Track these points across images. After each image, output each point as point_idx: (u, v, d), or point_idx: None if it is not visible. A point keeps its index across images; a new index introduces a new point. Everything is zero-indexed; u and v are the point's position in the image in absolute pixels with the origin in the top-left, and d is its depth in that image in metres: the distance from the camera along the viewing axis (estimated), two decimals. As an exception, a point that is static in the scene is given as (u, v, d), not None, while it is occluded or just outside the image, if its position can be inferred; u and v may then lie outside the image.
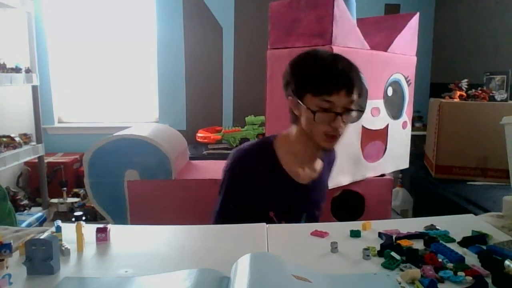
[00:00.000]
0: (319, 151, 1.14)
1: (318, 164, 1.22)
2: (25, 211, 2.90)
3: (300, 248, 0.72)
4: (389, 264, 0.63)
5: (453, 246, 0.69)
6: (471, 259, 0.65)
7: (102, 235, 0.74)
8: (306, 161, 1.18)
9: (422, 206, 2.57)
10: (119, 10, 3.69)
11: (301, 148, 1.14)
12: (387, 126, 1.70)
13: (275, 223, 1.08)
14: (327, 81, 1.01)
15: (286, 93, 1.10)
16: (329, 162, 1.31)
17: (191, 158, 2.09)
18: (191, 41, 3.59)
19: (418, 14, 1.80)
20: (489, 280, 0.58)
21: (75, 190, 3.29)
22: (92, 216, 2.85)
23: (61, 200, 3.09)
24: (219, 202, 1.15)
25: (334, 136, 1.06)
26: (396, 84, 1.72)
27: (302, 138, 1.12)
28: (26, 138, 2.86)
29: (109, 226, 0.76)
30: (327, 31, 1.41)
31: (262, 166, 1.14)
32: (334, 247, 0.70)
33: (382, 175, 1.73)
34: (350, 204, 1.67)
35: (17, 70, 2.71)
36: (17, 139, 2.74)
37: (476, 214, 0.93)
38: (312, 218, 1.22)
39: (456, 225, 0.80)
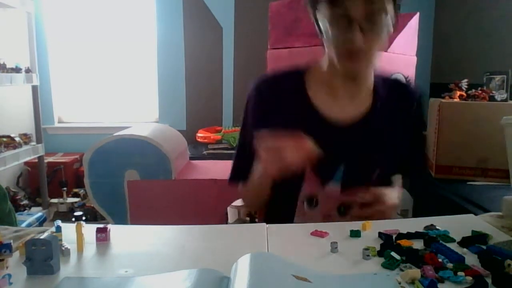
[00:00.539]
0: (347, 79, 0.93)
1: (364, 103, 0.97)
2: (25, 211, 2.91)
3: (300, 248, 0.72)
4: (389, 264, 0.63)
5: (453, 246, 0.69)
6: (471, 259, 0.65)
7: (102, 235, 0.74)
8: (341, 95, 0.96)
9: (422, 206, 2.57)
10: (119, 10, 3.69)
11: (331, 78, 0.94)
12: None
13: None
14: None
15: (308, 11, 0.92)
16: (400, 106, 1.00)
17: (191, 158, 2.09)
18: (191, 41, 3.59)
19: (418, 14, 1.81)
20: (489, 280, 0.58)
21: (75, 190, 3.30)
22: (92, 216, 2.85)
23: (61, 200, 3.09)
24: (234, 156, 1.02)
25: (352, 52, 0.84)
26: (396, 84, 1.72)
27: (330, 65, 0.93)
28: (26, 138, 2.86)
29: (109, 226, 0.76)
30: (327, 31, 1.41)
31: (287, 97, 0.96)
32: (334, 247, 0.70)
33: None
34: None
35: (17, 70, 2.71)
36: (17, 139, 2.74)
37: (476, 214, 0.93)
38: (353, 175, 0.95)
39: (456, 225, 0.80)
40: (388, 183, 0.99)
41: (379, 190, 0.88)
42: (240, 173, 1.03)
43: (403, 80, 1.07)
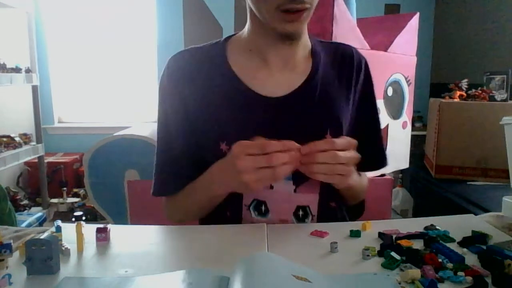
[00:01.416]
0: (284, 43, 0.78)
1: (302, 70, 0.83)
2: (25, 211, 2.91)
3: (300, 248, 0.72)
4: (389, 264, 0.63)
5: (453, 246, 0.69)
6: (471, 259, 0.65)
7: (102, 235, 0.74)
8: (272, 63, 0.81)
9: (422, 206, 2.57)
10: (119, 10, 3.70)
11: (259, 43, 0.80)
12: (387, 126, 1.70)
13: None
14: None
15: None
16: (345, 73, 0.85)
17: (191, 158, 2.09)
18: (191, 41, 3.59)
19: (418, 14, 1.81)
20: (489, 280, 0.58)
21: (75, 190, 3.30)
22: (92, 216, 2.85)
23: (61, 200, 3.09)
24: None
25: (292, 10, 0.71)
26: (396, 84, 1.72)
27: (256, 27, 0.80)
28: (26, 138, 2.86)
29: (109, 226, 0.76)
30: (327, 31, 1.42)
31: (206, 70, 0.81)
32: (334, 247, 0.70)
33: (382, 175, 1.73)
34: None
35: (17, 70, 2.72)
36: (17, 139, 2.75)
37: (476, 214, 0.93)
38: None
39: (456, 225, 0.80)
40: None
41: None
42: (171, 181, 0.85)
43: (346, 44, 0.91)
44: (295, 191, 0.83)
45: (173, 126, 0.84)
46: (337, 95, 0.84)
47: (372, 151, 0.92)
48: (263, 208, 0.83)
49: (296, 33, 0.76)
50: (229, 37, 0.87)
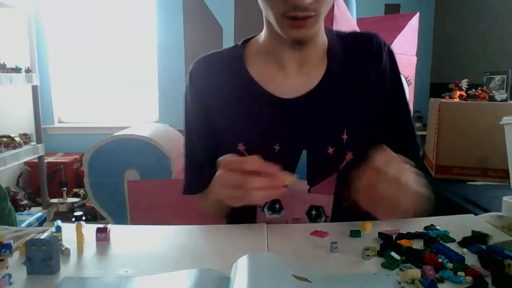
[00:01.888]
0: (294, 47, 0.79)
1: (317, 70, 0.83)
2: (25, 211, 2.91)
3: (300, 248, 0.72)
4: (389, 264, 0.63)
5: (453, 246, 0.69)
6: (471, 259, 0.65)
7: (102, 235, 0.74)
8: (287, 66, 0.82)
9: (422, 206, 2.57)
10: (119, 10, 3.70)
11: (274, 46, 0.81)
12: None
13: None
14: None
15: None
16: (365, 63, 0.83)
17: (191, 158, 2.09)
18: (191, 41, 3.59)
19: (418, 14, 1.81)
20: (489, 280, 0.58)
21: (75, 190, 3.30)
22: (92, 216, 2.85)
23: (61, 200, 3.10)
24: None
25: (297, 17, 0.70)
26: (396, 84, 1.72)
27: (270, 32, 0.80)
28: (26, 138, 2.86)
29: (109, 226, 0.76)
30: (327, 31, 1.42)
31: (224, 75, 0.84)
32: (334, 247, 0.70)
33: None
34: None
35: (17, 70, 2.72)
36: (17, 139, 2.75)
37: (476, 214, 0.93)
38: (320, 163, 0.80)
39: (456, 225, 0.80)
40: None
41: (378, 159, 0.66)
42: (196, 182, 0.90)
43: (363, 31, 0.88)
44: (309, 191, 0.83)
45: (196, 129, 0.87)
46: (355, 92, 0.82)
47: (405, 142, 0.87)
48: (277, 205, 0.84)
49: (304, 39, 0.76)
50: (247, 40, 0.89)
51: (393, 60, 0.86)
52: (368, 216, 0.88)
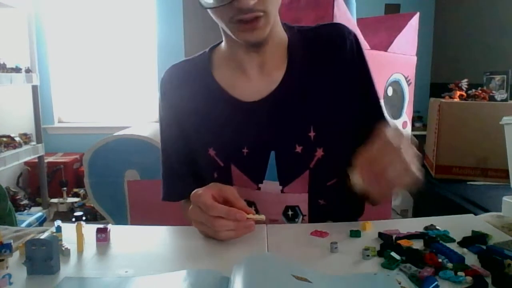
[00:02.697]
0: (252, 50, 0.79)
1: (278, 69, 0.82)
2: (25, 211, 2.91)
3: (300, 248, 0.72)
4: (389, 264, 0.63)
5: (453, 246, 0.69)
6: (471, 259, 0.65)
7: (102, 235, 0.74)
8: (247, 68, 0.82)
9: (422, 206, 2.57)
10: (119, 10, 3.70)
11: (233, 52, 0.82)
12: (387, 126, 1.70)
13: (219, 168, 0.82)
14: None
15: None
16: (329, 55, 0.81)
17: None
18: (191, 41, 3.59)
19: (418, 14, 1.81)
20: (489, 280, 0.58)
21: (75, 190, 3.30)
22: (92, 216, 2.85)
23: (61, 200, 3.10)
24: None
25: (245, 20, 0.70)
26: (396, 84, 1.72)
27: (226, 38, 0.82)
28: (26, 138, 2.87)
29: (109, 226, 0.76)
30: (327, 31, 1.42)
31: (193, 82, 0.85)
32: (334, 247, 0.70)
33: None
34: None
35: (17, 70, 2.72)
36: (17, 139, 2.75)
37: (476, 214, 0.93)
38: (289, 162, 0.81)
39: (456, 225, 0.80)
40: (345, 163, 0.71)
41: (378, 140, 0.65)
42: (174, 189, 0.91)
43: (327, 23, 0.88)
44: (282, 191, 0.83)
45: (169, 137, 0.89)
46: (319, 87, 0.81)
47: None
48: (253, 208, 0.82)
49: (258, 41, 0.76)
50: (214, 47, 0.90)
51: (359, 47, 0.84)
52: (349, 211, 0.90)
